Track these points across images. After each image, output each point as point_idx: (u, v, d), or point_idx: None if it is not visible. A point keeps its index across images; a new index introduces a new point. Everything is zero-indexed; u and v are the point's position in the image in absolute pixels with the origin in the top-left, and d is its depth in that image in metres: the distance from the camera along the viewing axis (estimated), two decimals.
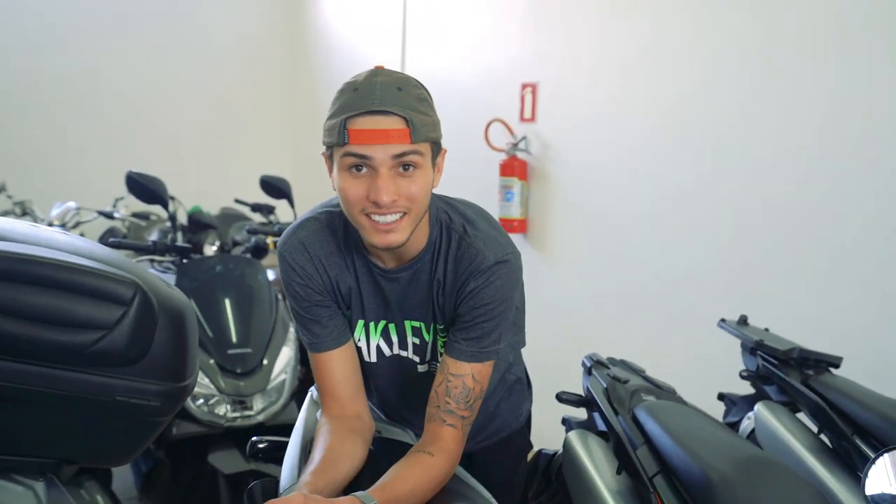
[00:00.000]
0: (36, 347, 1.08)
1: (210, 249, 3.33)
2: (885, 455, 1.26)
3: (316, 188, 4.04)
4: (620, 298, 3.16)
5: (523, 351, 1.65)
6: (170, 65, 5.45)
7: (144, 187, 2.64)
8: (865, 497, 1.25)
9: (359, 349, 1.45)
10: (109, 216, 3.90)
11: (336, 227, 1.36)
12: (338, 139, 1.19)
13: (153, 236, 3.96)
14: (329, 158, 1.26)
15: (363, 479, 1.26)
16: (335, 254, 1.36)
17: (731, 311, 2.18)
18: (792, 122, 2.47)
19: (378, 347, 1.44)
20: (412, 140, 1.19)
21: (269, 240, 3.14)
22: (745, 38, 2.62)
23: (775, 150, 2.52)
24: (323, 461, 1.22)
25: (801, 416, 1.81)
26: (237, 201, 4.18)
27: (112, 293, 1.12)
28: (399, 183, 1.21)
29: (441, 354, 1.38)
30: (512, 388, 1.63)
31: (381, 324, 1.42)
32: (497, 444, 1.65)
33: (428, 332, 1.41)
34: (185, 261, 2.75)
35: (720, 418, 2.03)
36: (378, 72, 1.22)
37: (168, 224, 3.72)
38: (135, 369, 1.17)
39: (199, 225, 3.55)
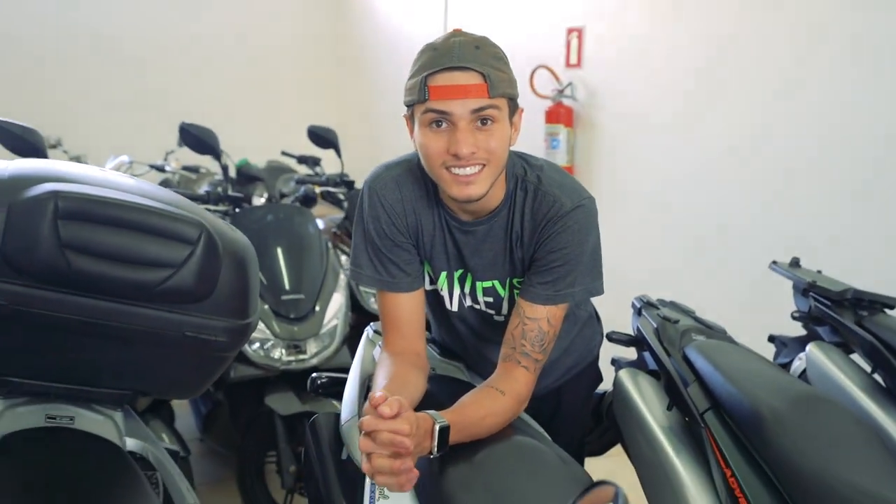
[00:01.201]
0: (110, 284, 1.14)
1: (258, 201, 3.39)
2: None
3: (362, 144, 4.07)
4: (667, 244, 3.15)
5: None
6: (217, 20, 5.50)
7: (197, 138, 2.69)
8: None
9: (441, 298, 1.50)
10: (161, 169, 3.99)
11: (423, 175, 1.39)
12: (419, 96, 1.23)
13: (203, 189, 4.04)
14: (410, 118, 1.30)
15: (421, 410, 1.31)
16: (423, 199, 1.40)
17: (780, 258, 2.16)
18: (845, 70, 2.40)
19: (459, 298, 1.49)
20: (490, 95, 1.22)
21: (318, 189, 3.18)
22: None
23: (827, 98, 2.46)
24: (390, 386, 1.25)
25: (855, 357, 1.80)
26: (284, 153, 4.23)
27: (179, 233, 1.17)
28: (478, 136, 1.24)
29: None
30: (585, 323, 1.67)
31: (459, 272, 1.45)
32: (571, 379, 1.69)
33: (504, 288, 1.44)
34: (237, 210, 2.81)
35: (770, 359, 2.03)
36: (456, 33, 1.27)
37: (217, 177, 3.79)
38: (202, 306, 1.23)
39: (247, 177, 3.61)
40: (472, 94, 1.21)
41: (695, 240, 3.00)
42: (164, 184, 4.45)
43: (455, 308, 1.50)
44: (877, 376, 1.66)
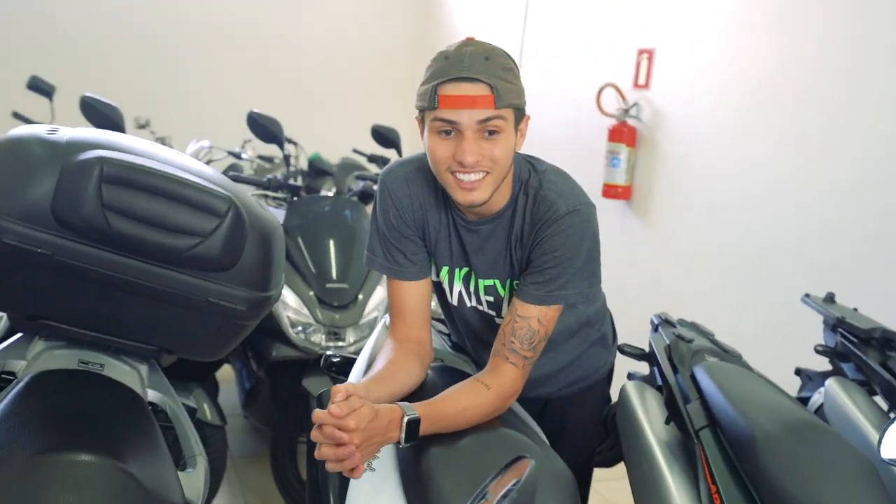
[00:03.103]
0: (144, 246, 1.25)
1: (324, 195, 3.52)
2: None
3: None
4: (714, 270, 3.12)
5: (612, 307, 1.71)
6: (302, 17, 5.72)
7: (263, 126, 2.83)
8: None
9: (443, 290, 1.56)
10: (237, 156, 4.18)
11: (432, 174, 1.46)
12: (429, 104, 1.30)
13: (267, 177, 4.21)
14: (421, 121, 1.37)
15: (417, 399, 1.37)
16: (431, 196, 1.47)
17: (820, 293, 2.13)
18: None
19: (459, 294, 1.55)
20: (496, 106, 1.28)
21: (376, 187, 3.28)
22: (867, 15, 2.50)
23: (888, 137, 2.41)
24: (381, 373, 1.35)
25: (877, 398, 1.77)
26: (355, 151, 4.36)
27: (209, 206, 1.28)
28: (483, 145, 1.30)
29: None
30: (595, 342, 1.70)
31: (463, 270, 1.52)
32: (576, 393, 1.73)
33: (503, 288, 1.50)
34: (295, 199, 2.94)
35: (795, 393, 2.01)
36: (468, 42, 1.33)
37: (292, 169, 3.96)
38: (226, 276, 1.33)
39: (317, 171, 3.75)
40: (479, 105, 1.27)
41: (744, 272, 2.97)
42: (236, 169, 4.67)
43: (455, 303, 1.56)
44: (893, 416, 1.64)
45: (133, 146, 1.34)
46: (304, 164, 4.16)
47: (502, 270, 1.48)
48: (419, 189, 1.47)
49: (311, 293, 2.66)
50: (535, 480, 0.72)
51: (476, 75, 1.26)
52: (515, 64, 1.36)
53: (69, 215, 1.22)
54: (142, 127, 4.50)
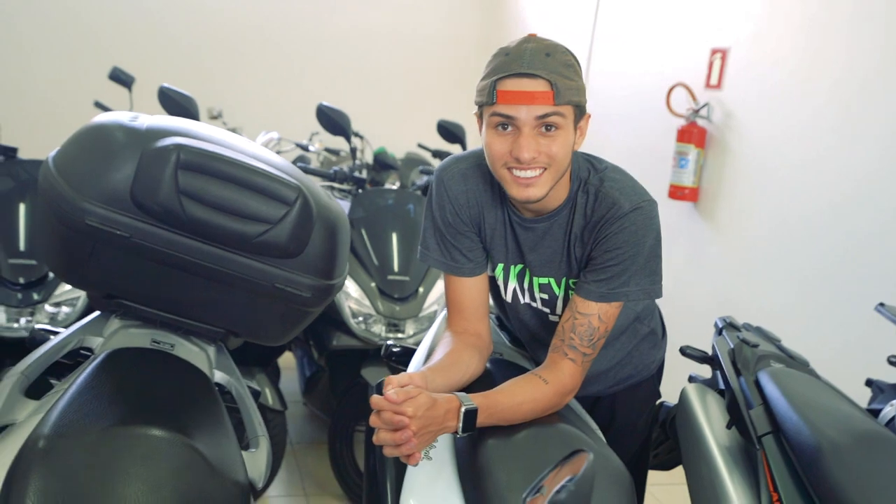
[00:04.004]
0: (216, 231, 1.30)
1: (389, 188, 3.57)
2: None
3: None
4: (782, 276, 3.04)
5: (676, 309, 1.68)
6: (370, 13, 5.80)
7: (331, 119, 2.89)
8: None
9: (498, 287, 1.56)
10: (305, 148, 4.26)
11: (489, 171, 1.45)
12: (487, 99, 1.30)
13: (333, 169, 4.28)
14: (479, 117, 1.38)
15: (474, 391, 1.38)
16: (487, 192, 1.47)
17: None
18: None
19: (514, 291, 1.55)
20: (555, 102, 1.27)
21: None
22: None
23: None
24: (440, 362, 1.36)
25: None
26: (420, 146, 4.40)
27: (279, 194, 1.32)
28: (540, 141, 1.30)
29: None
30: (645, 338, 1.68)
31: (518, 267, 1.51)
32: (626, 389, 1.72)
33: (559, 287, 1.49)
34: (360, 191, 2.99)
35: (866, 405, 1.95)
36: (529, 38, 1.33)
37: (357, 162, 4.02)
38: (292, 262, 1.37)
39: (382, 165, 3.80)
40: (538, 101, 1.26)
41: (812, 278, 2.88)
42: (303, 160, 4.77)
43: (509, 300, 1.55)
44: None
45: (208, 134, 1.38)
46: (369, 158, 4.22)
47: (558, 268, 1.47)
48: (476, 186, 1.47)
49: (373, 284, 2.70)
50: (591, 475, 0.72)
51: (535, 71, 1.26)
52: (577, 62, 1.35)
53: (147, 199, 1.27)
54: (214, 118, 4.63)
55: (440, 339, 1.52)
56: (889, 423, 1.77)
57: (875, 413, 1.87)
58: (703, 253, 3.46)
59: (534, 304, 1.54)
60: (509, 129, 1.31)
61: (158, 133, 1.31)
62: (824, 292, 2.83)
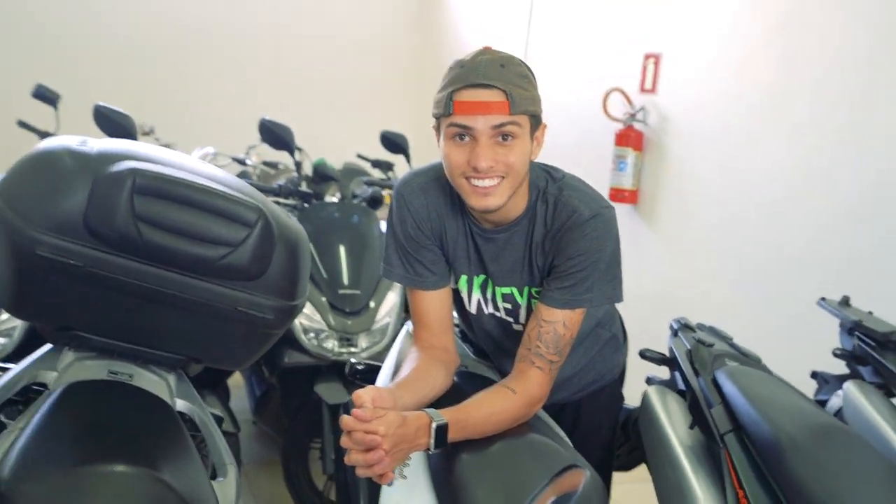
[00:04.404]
0: (175, 256, 1.26)
1: (330, 200, 3.53)
2: None
3: (435, 151, 4.19)
4: (723, 274, 3.14)
5: (623, 311, 1.72)
6: (304, 21, 5.73)
7: (274, 133, 2.84)
8: None
9: (461, 299, 1.57)
10: (242, 162, 4.19)
11: (448, 183, 1.46)
12: (444, 110, 1.32)
13: (276, 183, 4.22)
14: (437, 129, 1.38)
15: (443, 405, 1.38)
16: (448, 205, 1.48)
17: (835, 295, 2.15)
18: None
19: (478, 302, 1.56)
20: (511, 112, 1.29)
21: (386, 193, 3.30)
22: (881, 18, 2.52)
23: None
24: (408, 378, 1.36)
25: (895, 400, 1.78)
26: (359, 156, 4.37)
27: (240, 216, 1.29)
28: (497, 151, 1.31)
29: None
30: (607, 343, 1.71)
31: (481, 278, 1.52)
32: (590, 394, 1.74)
33: (521, 296, 1.51)
34: (306, 205, 2.95)
35: (812, 396, 2.03)
36: (484, 51, 1.35)
37: (294, 175, 3.97)
38: (254, 285, 1.34)
39: (322, 176, 3.75)
40: (494, 111, 1.28)
41: (752, 275, 2.98)
42: (243, 176, 4.68)
43: (474, 311, 1.57)
44: None
45: (162, 157, 1.34)
46: (308, 170, 4.18)
47: (520, 278, 1.48)
48: (436, 199, 1.48)
49: (324, 299, 2.66)
50: (591, 492, 0.73)
51: (491, 82, 1.28)
52: (532, 73, 1.38)
53: (101, 226, 1.22)
54: (146, 134, 4.50)
55: (406, 354, 1.52)
56: (837, 413, 1.84)
57: (822, 404, 1.94)
58: (645, 254, 3.53)
59: (497, 314, 1.55)
60: (467, 139, 1.32)
61: (110, 157, 1.27)
62: (765, 289, 2.93)
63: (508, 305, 1.52)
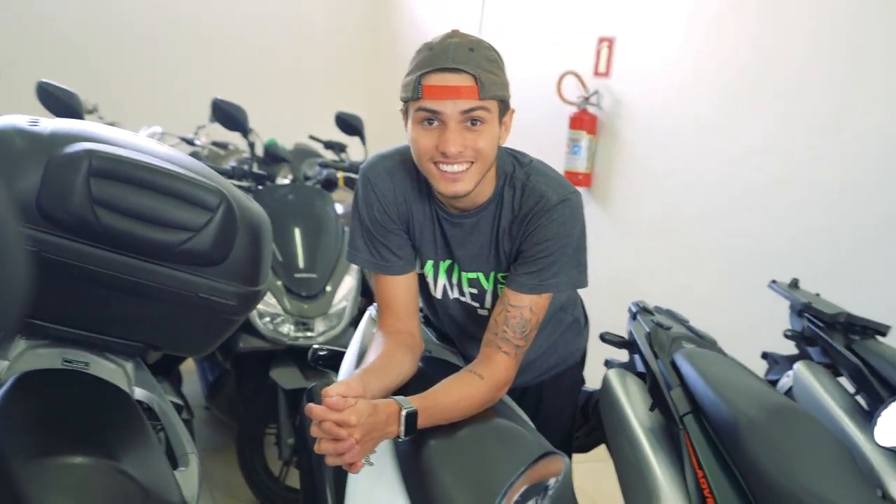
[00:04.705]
0: (134, 241, 1.22)
1: (282, 182, 3.47)
2: None
3: (389, 134, 4.16)
4: (677, 256, 3.20)
5: (582, 295, 1.74)
6: (255, 1, 5.61)
7: (228, 114, 2.78)
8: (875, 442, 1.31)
9: (427, 284, 1.56)
10: (191, 143, 4.08)
11: (415, 167, 1.45)
12: (412, 94, 1.30)
13: (230, 164, 4.14)
14: (405, 113, 1.37)
15: (410, 391, 1.38)
16: (414, 189, 1.46)
17: (783, 277, 2.21)
18: (867, 96, 2.44)
19: (444, 287, 1.55)
20: (480, 97, 1.28)
21: (340, 175, 3.26)
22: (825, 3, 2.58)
23: (849, 124, 2.49)
24: (374, 364, 1.35)
25: (842, 380, 1.84)
26: (311, 137, 4.31)
27: (201, 200, 1.26)
28: (466, 136, 1.30)
29: None
30: (569, 327, 1.73)
31: (447, 263, 1.52)
32: (551, 378, 1.76)
33: (487, 281, 1.51)
34: (259, 187, 2.90)
35: (763, 376, 2.08)
36: (453, 34, 1.33)
37: (244, 155, 3.89)
38: (216, 270, 1.31)
39: (273, 157, 3.69)
40: (463, 96, 1.27)
41: (704, 256, 3.05)
42: (195, 157, 4.56)
43: (439, 296, 1.56)
44: (859, 398, 1.71)
45: (119, 138, 1.30)
46: (259, 150, 4.10)
47: (486, 263, 1.48)
48: (402, 183, 1.46)
49: (279, 283, 2.63)
50: (570, 479, 0.73)
51: (460, 66, 1.27)
52: (500, 57, 1.37)
53: (56, 210, 1.18)
54: (90, 112, 4.34)
55: (370, 339, 1.51)
56: (787, 392, 1.90)
57: (773, 383, 2.00)
58: (599, 237, 3.57)
59: (462, 299, 1.55)
60: (435, 123, 1.31)
61: (64, 138, 1.22)
62: (717, 271, 2.99)
63: (474, 290, 1.52)
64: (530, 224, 1.39)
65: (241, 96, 3.99)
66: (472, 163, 1.32)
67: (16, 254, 0.69)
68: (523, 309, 1.40)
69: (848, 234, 2.51)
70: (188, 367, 3.31)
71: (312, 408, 1.16)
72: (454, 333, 1.64)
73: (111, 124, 4.23)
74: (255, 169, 3.10)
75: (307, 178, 3.59)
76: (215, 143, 4.41)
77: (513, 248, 1.44)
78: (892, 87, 2.37)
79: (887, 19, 2.39)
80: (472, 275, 1.50)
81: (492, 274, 1.49)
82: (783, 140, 2.74)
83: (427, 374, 1.46)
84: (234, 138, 4.01)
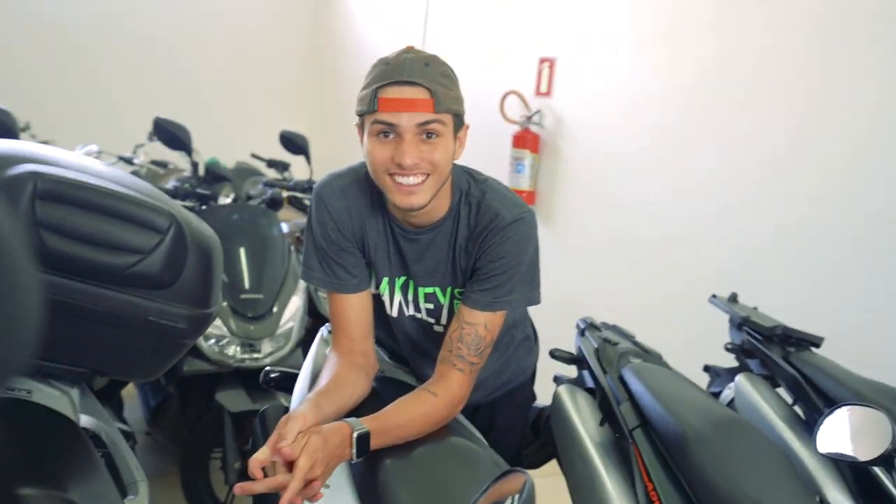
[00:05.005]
0: (80, 265, 1.19)
1: (224, 201, 3.43)
2: (838, 410, 1.36)
3: (332, 152, 4.14)
4: (619, 272, 3.27)
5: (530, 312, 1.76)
6: (193, 14, 5.53)
7: (170, 133, 2.74)
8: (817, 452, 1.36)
9: (382, 303, 1.56)
10: (129, 161, 4.00)
11: (369, 184, 1.46)
12: (368, 107, 1.31)
13: (171, 184, 4.06)
14: (360, 127, 1.37)
15: (364, 411, 1.38)
16: (368, 207, 1.47)
17: (723, 292, 2.28)
18: (806, 114, 2.55)
19: (399, 304, 1.55)
20: (435, 110, 1.30)
21: (285, 194, 3.24)
22: (764, 24, 2.69)
23: (786, 143, 2.60)
24: (327, 386, 1.34)
25: (780, 390, 1.91)
26: (253, 156, 4.26)
27: (151, 222, 1.23)
28: (422, 148, 1.32)
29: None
30: (520, 344, 1.75)
31: (402, 279, 1.52)
32: (504, 395, 1.78)
33: (444, 296, 1.52)
34: (203, 207, 2.86)
35: (704, 388, 2.14)
36: (408, 50, 1.35)
37: (185, 174, 3.82)
38: (166, 293, 1.29)
39: (214, 176, 3.64)
40: (419, 108, 1.29)
41: (646, 272, 3.12)
42: (135, 176, 4.46)
43: (395, 314, 1.56)
44: (797, 408, 1.77)
45: (63, 159, 1.27)
46: (200, 170, 4.03)
47: (443, 278, 1.50)
48: (356, 201, 1.47)
49: (225, 304, 2.59)
50: (533, 495, 0.75)
51: (415, 79, 1.29)
52: (454, 73, 1.39)
53: None
54: (22, 130, 4.21)
55: (322, 360, 1.50)
56: (729, 404, 1.96)
57: (716, 395, 2.06)
58: (543, 254, 3.61)
59: (418, 315, 1.55)
60: (391, 136, 1.32)
61: (6, 160, 1.19)
62: (659, 287, 3.07)
63: (430, 306, 1.53)
64: (484, 242, 1.41)
65: (180, 115, 3.94)
66: (428, 175, 1.34)
67: (32, 292, 0.67)
68: (478, 326, 1.41)
69: (787, 249, 2.61)
70: (128, 391, 3.22)
71: (277, 479, 1.14)
72: (409, 352, 1.64)
73: (44, 143, 4.12)
74: (198, 188, 3.05)
75: (249, 198, 3.55)
76: (154, 162, 4.32)
77: (469, 265, 1.45)
78: (842, 105, 2.47)
79: (837, 34, 2.48)
80: (429, 289, 1.51)
81: (448, 289, 1.50)
82: (726, 161, 2.83)
83: (381, 394, 1.46)
84: (173, 157, 3.94)
